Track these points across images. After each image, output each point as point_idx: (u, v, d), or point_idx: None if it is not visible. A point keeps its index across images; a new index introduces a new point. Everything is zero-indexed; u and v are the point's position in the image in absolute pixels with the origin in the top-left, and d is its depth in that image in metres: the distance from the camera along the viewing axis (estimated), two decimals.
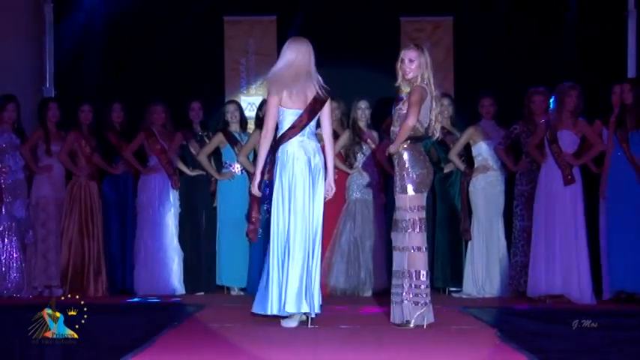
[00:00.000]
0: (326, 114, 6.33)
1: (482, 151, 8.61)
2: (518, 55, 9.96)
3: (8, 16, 9.81)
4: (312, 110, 6.27)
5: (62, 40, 10.17)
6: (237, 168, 8.74)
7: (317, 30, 10.03)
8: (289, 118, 6.29)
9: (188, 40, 10.17)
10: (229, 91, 10.30)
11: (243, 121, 8.90)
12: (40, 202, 8.69)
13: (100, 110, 8.96)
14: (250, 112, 9.59)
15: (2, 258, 8.47)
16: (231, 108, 8.84)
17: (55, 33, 10.18)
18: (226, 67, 10.39)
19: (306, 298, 6.15)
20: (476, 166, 8.64)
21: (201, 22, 10.23)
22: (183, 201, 8.89)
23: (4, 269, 8.46)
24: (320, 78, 6.34)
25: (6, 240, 8.49)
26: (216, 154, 8.88)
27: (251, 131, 8.86)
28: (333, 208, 8.30)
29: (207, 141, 8.86)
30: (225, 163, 8.78)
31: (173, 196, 8.86)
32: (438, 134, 6.42)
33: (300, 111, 6.27)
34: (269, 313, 6.26)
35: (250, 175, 8.59)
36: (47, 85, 10.12)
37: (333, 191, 6.42)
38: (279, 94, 6.25)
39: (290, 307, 6.16)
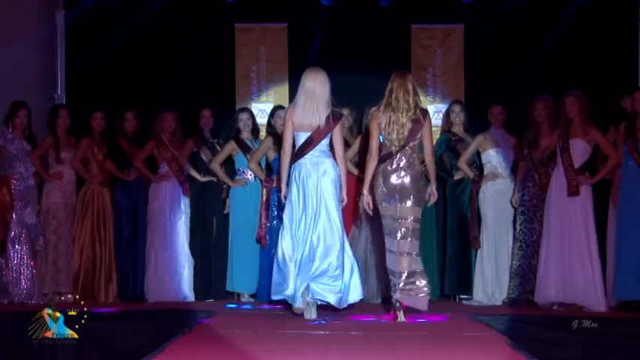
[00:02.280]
0: (336, 136, 7.05)
1: (492, 158, 8.60)
2: (529, 63, 9.95)
3: (20, 23, 9.84)
4: (320, 133, 7.00)
5: (73, 48, 10.21)
6: (250, 175, 8.74)
7: (328, 37, 10.10)
8: (300, 140, 7.05)
9: (199, 47, 10.20)
10: (240, 99, 10.32)
11: (255, 129, 8.91)
12: (51, 209, 8.71)
13: (111, 117, 8.99)
14: (261, 119, 9.60)
15: (13, 264, 8.49)
16: (243, 116, 8.84)
17: (66, 40, 10.22)
18: (237, 74, 10.42)
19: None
20: (485, 173, 8.63)
21: (212, 29, 10.25)
22: (194, 208, 8.90)
23: (15, 276, 8.48)
24: (331, 103, 7.05)
25: (17, 246, 8.51)
26: (229, 161, 8.89)
27: (262, 138, 8.87)
28: (347, 214, 8.36)
29: (218, 148, 8.88)
30: (239, 170, 8.79)
31: (184, 204, 8.87)
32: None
33: (309, 134, 7.00)
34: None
35: (262, 182, 8.62)
36: (59, 92, 10.16)
37: (344, 202, 7.17)
38: (293, 118, 7.00)
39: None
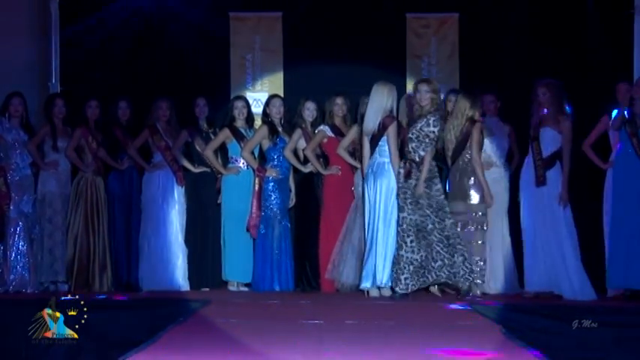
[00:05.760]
0: (389, 137, 7.90)
1: (486, 147, 8.56)
2: (524, 53, 9.94)
3: (14, 13, 9.83)
4: (376, 137, 7.93)
5: (68, 36, 10.19)
6: (242, 163, 8.73)
7: (323, 26, 10.07)
8: (367, 143, 8.04)
9: (194, 36, 10.18)
10: (235, 88, 10.30)
11: (250, 117, 8.88)
12: (47, 198, 8.71)
13: (106, 106, 8.97)
14: (256, 109, 9.58)
15: (10, 253, 8.48)
16: (239, 104, 8.82)
17: (60, 29, 10.19)
18: (232, 63, 10.38)
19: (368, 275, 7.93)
20: None
21: (207, 18, 10.23)
22: (188, 197, 8.89)
23: (11, 264, 8.48)
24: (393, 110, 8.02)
25: (14, 235, 8.51)
26: (222, 150, 8.88)
27: (257, 127, 8.86)
28: (341, 203, 8.48)
29: (212, 138, 8.86)
30: (232, 158, 8.77)
31: (178, 193, 8.86)
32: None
33: (369, 137, 7.96)
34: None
35: (254, 171, 8.61)
36: (53, 81, 10.13)
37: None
38: (361, 124, 8.05)
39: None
